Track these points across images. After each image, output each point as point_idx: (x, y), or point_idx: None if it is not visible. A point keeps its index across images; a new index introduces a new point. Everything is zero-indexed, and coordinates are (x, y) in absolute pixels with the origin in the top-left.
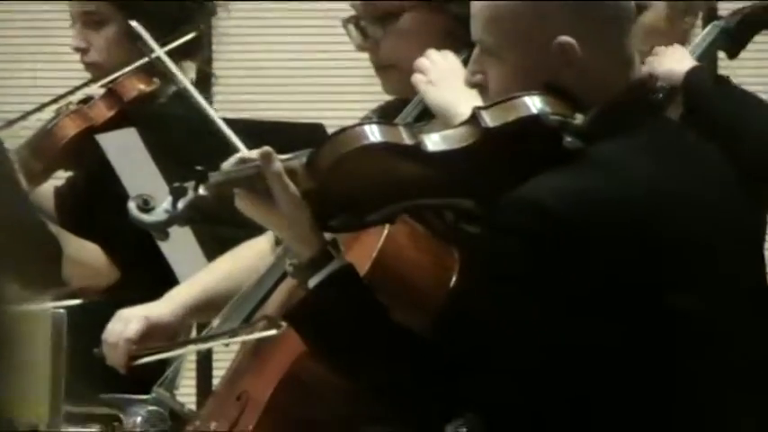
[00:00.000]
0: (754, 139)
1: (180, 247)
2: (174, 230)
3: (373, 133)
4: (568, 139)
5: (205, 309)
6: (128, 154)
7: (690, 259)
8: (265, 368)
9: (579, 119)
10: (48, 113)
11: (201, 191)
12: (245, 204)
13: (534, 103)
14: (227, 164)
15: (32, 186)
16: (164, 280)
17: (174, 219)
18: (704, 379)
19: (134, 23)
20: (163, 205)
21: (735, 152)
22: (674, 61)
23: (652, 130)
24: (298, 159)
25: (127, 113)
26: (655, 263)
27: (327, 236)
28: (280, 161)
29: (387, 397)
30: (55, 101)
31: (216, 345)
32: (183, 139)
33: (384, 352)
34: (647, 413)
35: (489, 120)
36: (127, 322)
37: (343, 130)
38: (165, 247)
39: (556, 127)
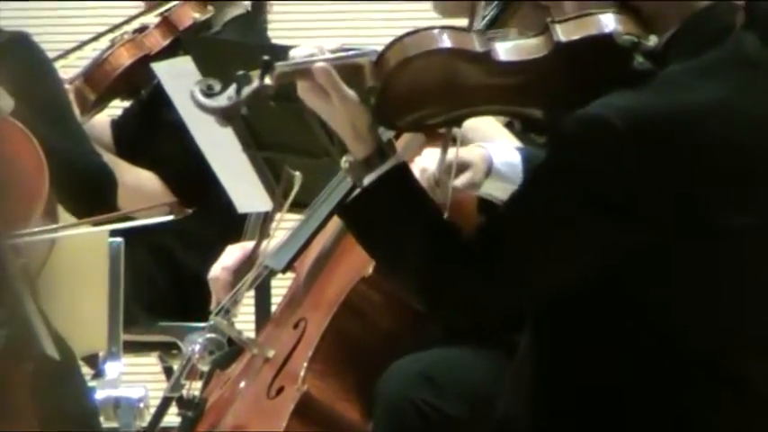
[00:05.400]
0: None
1: (236, 173)
2: (231, 156)
3: (444, 37)
4: (639, 60)
5: None
6: (183, 82)
7: (748, 181)
8: (323, 296)
9: (652, 41)
10: (103, 43)
11: (267, 80)
12: (305, 96)
13: (609, 22)
14: (295, 54)
15: (87, 116)
16: (219, 205)
17: (237, 105)
18: (752, 296)
19: None
20: (227, 92)
21: None
22: None
23: (726, 52)
24: (367, 57)
25: (182, 42)
26: (712, 185)
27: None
28: (329, 59)
29: (428, 299)
30: (110, 30)
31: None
32: (237, 66)
33: (432, 252)
34: (689, 325)
35: (562, 34)
36: (226, 254)
37: (416, 31)
38: (220, 172)
39: (628, 47)
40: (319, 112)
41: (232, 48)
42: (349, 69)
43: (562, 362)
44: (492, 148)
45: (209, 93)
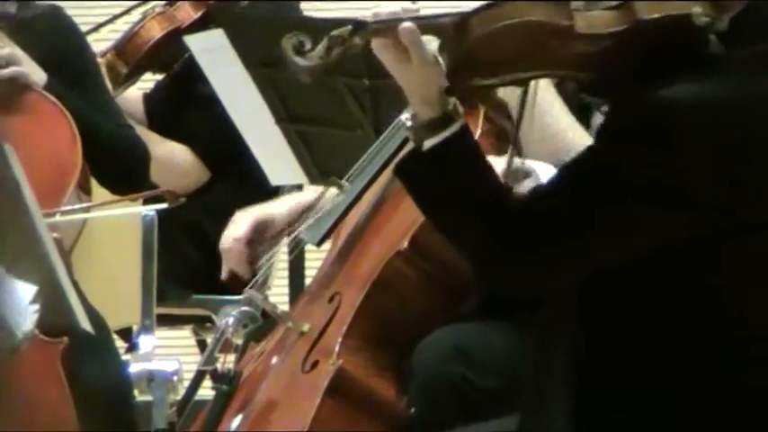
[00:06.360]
0: None
1: (269, 145)
2: (264, 129)
3: (532, 10)
4: (713, 40)
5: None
6: (215, 55)
7: None
8: (357, 270)
9: (725, 21)
10: (135, 16)
11: (357, 40)
12: (382, 52)
13: (688, 2)
14: (379, 12)
15: (119, 90)
16: (252, 178)
17: (325, 66)
18: None
19: None
20: (317, 50)
21: None
22: None
23: None
24: (451, 19)
25: (213, 15)
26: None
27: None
28: (414, 18)
29: (482, 267)
30: (142, 3)
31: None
32: (269, 39)
33: (483, 218)
34: (738, 312)
35: (642, 11)
36: (236, 224)
37: (502, 1)
38: (253, 145)
39: (703, 28)
40: (392, 70)
41: (264, 20)
42: (431, 30)
43: (604, 347)
44: (538, 168)
45: (300, 50)
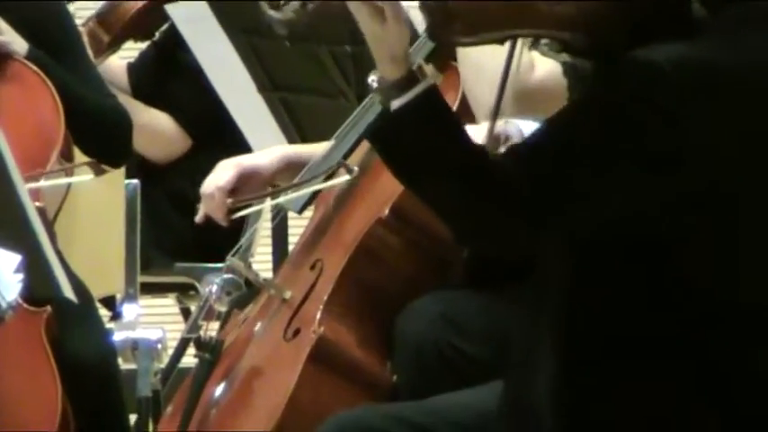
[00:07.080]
0: None
1: (253, 114)
2: (247, 98)
3: None
4: (696, 4)
5: (303, 165)
6: (197, 23)
7: None
8: (339, 237)
9: None
10: None
11: None
12: (358, 9)
13: None
14: None
15: (101, 58)
16: (236, 148)
17: (302, 19)
18: None
19: None
20: (293, 3)
21: None
22: None
23: None
24: None
25: None
26: (756, 144)
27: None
28: None
29: (463, 230)
30: None
31: (304, 193)
32: (251, 6)
33: (459, 176)
34: (729, 279)
35: None
36: (221, 171)
37: None
38: (237, 114)
39: None
40: (364, 28)
41: None
42: None
43: (594, 317)
44: (522, 124)
45: (276, 2)
